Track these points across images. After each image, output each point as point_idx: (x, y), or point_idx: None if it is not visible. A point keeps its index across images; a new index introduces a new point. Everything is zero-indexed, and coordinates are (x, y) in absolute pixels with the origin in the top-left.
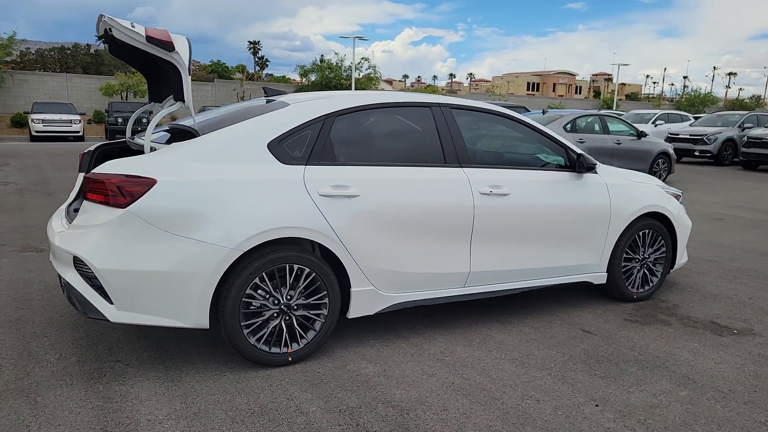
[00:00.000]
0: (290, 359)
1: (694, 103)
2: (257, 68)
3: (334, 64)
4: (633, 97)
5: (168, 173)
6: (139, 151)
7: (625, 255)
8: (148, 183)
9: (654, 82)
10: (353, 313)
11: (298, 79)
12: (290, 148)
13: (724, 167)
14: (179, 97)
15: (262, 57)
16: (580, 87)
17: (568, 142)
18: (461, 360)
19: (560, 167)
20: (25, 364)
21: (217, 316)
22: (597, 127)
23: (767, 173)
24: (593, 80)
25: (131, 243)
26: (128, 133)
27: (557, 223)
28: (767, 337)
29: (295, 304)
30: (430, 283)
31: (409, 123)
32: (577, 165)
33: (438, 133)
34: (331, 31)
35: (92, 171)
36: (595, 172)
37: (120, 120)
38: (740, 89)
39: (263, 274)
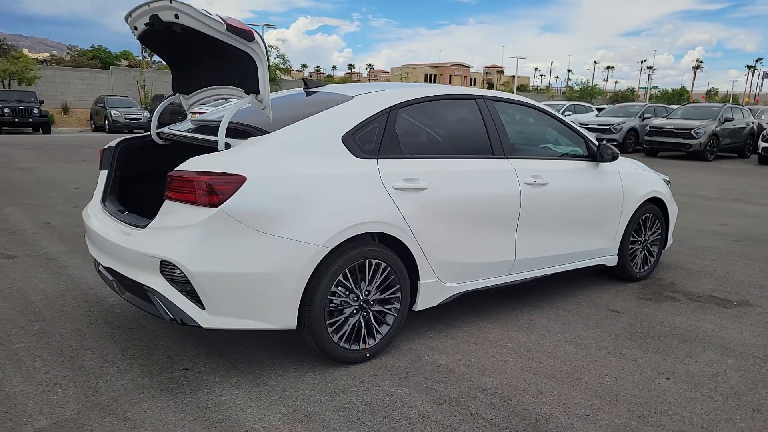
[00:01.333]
0: (368, 355)
1: (583, 95)
2: (145, 55)
3: None
4: (523, 89)
5: (256, 169)
6: (175, 144)
7: (630, 238)
8: (238, 180)
9: (541, 75)
10: (420, 305)
11: None
12: (361, 141)
13: (628, 154)
14: (253, 89)
15: None
16: (475, 79)
17: (586, 132)
18: (523, 345)
19: (580, 157)
20: (86, 380)
21: (301, 315)
22: None
23: (668, 159)
24: (486, 72)
25: (224, 244)
26: (153, 127)
27: (584, 210)
28: (764, 307)
29: (372, 300)
30: (482, 273)
31: (460, 115)
32: (598, 155)
33: (485, 125)
34: None
35: (175, 169)
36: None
37: (6, 110)
38: (616, 82)
39: (346, 270)
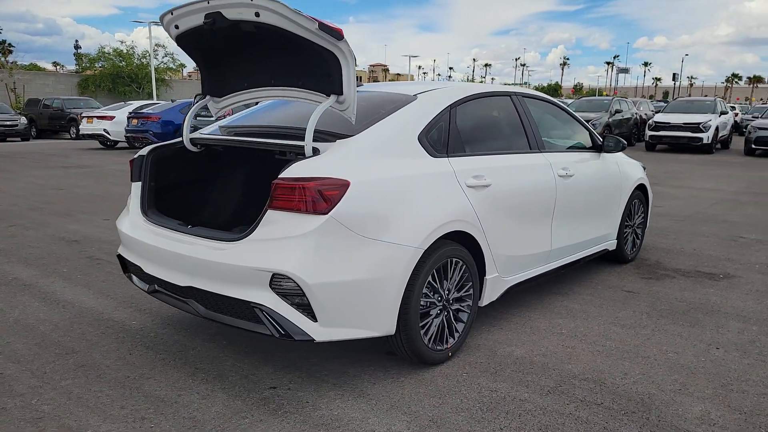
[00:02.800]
0: (450, 354)
1: None
2: None
3: (125, 51)
4: None
5: (355, 173)
6: (207, 151)
7: (625, 222)
8: (343, 185)
9: (424, 73)
10: (485, 300)
11: (50, 67)
12: (432, 140)
13: None
14: (335, 90)
15: (4, 41)
16: (360, 77)
17: (589, 126)
18: (576, 331)
19: (586, 148)
20: (173, 411)
21: (398, 319)
22: None
23: None
24: (372, 71)
25: (334, 252)
26: (186, 133)
27: (598, 198)
28: (745, 278)
29: (451, 299)
30: (527, 264)
31: (502, 111)
32: (604, 146)
33: (521, 120)
34: (83, 14)
35: (280, 176)
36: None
37: None
38: (492, 79)
39: (434, 270)
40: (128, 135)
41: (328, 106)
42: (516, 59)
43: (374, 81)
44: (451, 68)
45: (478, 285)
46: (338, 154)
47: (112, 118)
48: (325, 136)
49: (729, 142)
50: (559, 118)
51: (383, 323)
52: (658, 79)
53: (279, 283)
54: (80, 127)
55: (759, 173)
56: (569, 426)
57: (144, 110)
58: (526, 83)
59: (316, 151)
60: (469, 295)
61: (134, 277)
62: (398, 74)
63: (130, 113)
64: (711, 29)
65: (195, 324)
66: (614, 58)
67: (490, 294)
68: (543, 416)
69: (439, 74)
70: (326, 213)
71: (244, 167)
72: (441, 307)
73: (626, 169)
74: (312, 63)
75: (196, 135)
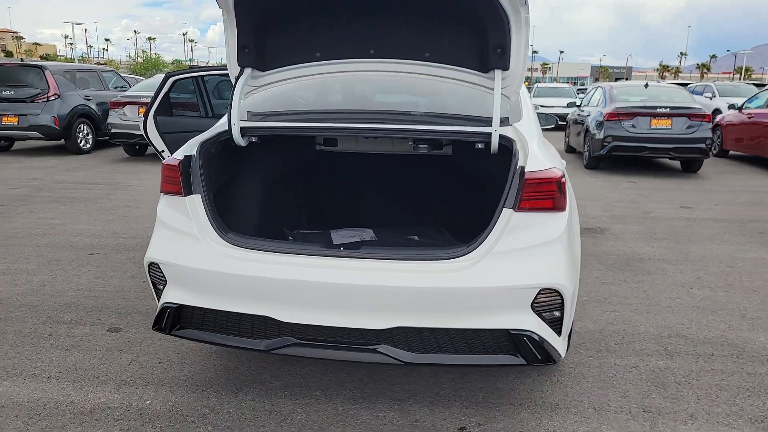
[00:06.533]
0: None
1: (148, 67)
2: None
3: None
4: (48, 57)
5: (556, 162)
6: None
7: None
8: (563, 177)
9: (71, 43)
10: None
11: None
12: None
13: None
14: (502, 65)
15: None
16: None
17: None
18: (592, 296)
19: None
20: None
21: None
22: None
23: None
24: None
25: (569, 253)
26: (234, 119)
27: None
28: (612, 229)
29: None
30: None
31: None
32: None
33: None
34: None
35: (528, 171)
36: None
37: None
38: (156, 54)
39: None
40: None
41: (500, 83)
42: (183, 34)
43: (5, 51)
44: (107, 39)
45: None
46: (533, 142)
47: None
48: (466, 121)
49: None
50: None
51: (571, 324)
52: None
53: (539, 300)
54: None
55: None
56: (729, 379)
57: None
58: (192, 60)
59: (504, 140)
60: None
61: (216, 336)
62: (37, 44)
63: None
64: None
65: (234, 381)
66: None
67: None
68: (703, 377)
69: (90, 46)
70: (565, 209)
71: (280, 161)
72: None
73: None
74: (477, 31)
75: (248, 125)
